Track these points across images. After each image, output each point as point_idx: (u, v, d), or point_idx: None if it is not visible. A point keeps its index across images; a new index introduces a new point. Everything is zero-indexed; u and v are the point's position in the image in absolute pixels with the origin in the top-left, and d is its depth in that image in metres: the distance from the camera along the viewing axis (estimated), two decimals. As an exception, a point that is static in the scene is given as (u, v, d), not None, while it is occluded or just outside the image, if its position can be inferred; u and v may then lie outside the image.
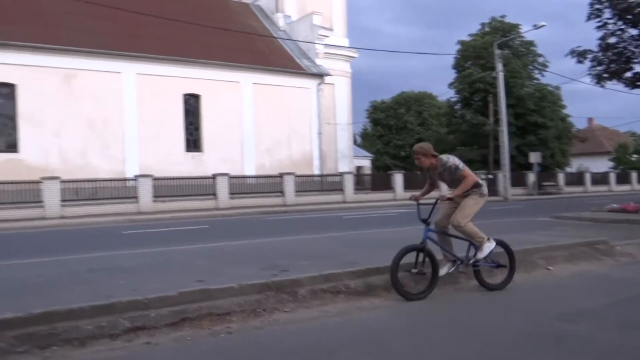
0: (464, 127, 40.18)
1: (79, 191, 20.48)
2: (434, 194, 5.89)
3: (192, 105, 27.13)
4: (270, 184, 24.84)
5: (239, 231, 12.96)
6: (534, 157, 33.46)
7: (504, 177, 29.80)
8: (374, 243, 8.37)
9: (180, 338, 4.14)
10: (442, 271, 5.52)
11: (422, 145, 5.60)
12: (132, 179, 21.83)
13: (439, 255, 5.64)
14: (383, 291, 5.45)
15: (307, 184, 26.07)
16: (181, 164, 25.62)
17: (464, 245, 5.69)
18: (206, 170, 24.80)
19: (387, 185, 28.50)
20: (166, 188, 21.99)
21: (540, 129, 38.87)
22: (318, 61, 31.72)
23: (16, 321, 3.95)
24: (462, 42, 41.16)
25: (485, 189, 5.63)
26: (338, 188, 26.54)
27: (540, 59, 42.01)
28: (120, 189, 21.44)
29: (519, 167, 35.70)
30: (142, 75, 25.34)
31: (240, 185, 24.01)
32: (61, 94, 23.49)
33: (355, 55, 36.19)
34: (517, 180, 32.49)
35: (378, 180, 31.36)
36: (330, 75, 31.57)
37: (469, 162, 38.12)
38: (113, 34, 25.19)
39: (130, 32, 25.62)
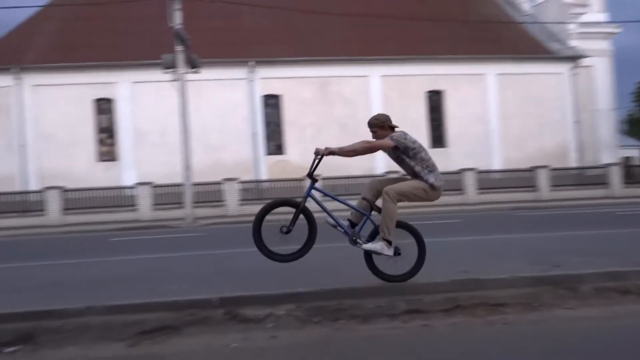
0: None
1: (333, 188, 22.39)
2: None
3: (435, 101, 27.21)
4: (519, 179, 23.35)
5: (491, 226, 12.47)
6: None
7: None
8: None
9: (454, 324, 4.17)
10: (333, 221, 4.91)
11: (377, 117, 4.98)
12: (380, 176, 22.96)
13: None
14: (686, 295, 4.63)
15: (563, 177, 23.74)
16: (426, 160, 25.87)
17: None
18: (452, 165, 24.59)
19: (665, 178, 24.26)
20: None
21: None
22: (571, 43, 28.69)
23: (310, 295, 4.50)
24: None
25: (438, 181, 4.69)
26: (601, 182, 23.55)
27: None
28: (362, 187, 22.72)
29: None
30: (387, 76, 26.41)
31: (486, 180, 23.18)
32: (317, 100, 25.99)
33: (617, 30, 31.59)
34: None
35: (652, 172, 26.90)
36: (586, 57, 28.19)
37: None
38: (358, 41, 26.82)
39: (373, 38, 26.89)
